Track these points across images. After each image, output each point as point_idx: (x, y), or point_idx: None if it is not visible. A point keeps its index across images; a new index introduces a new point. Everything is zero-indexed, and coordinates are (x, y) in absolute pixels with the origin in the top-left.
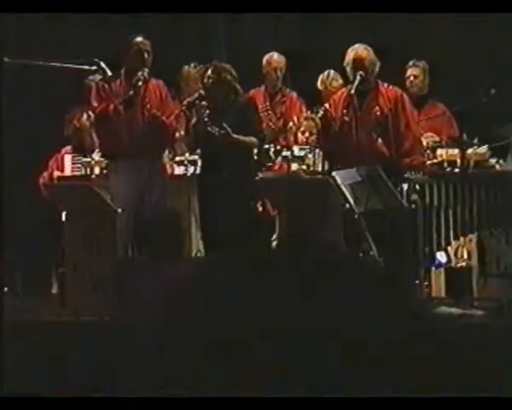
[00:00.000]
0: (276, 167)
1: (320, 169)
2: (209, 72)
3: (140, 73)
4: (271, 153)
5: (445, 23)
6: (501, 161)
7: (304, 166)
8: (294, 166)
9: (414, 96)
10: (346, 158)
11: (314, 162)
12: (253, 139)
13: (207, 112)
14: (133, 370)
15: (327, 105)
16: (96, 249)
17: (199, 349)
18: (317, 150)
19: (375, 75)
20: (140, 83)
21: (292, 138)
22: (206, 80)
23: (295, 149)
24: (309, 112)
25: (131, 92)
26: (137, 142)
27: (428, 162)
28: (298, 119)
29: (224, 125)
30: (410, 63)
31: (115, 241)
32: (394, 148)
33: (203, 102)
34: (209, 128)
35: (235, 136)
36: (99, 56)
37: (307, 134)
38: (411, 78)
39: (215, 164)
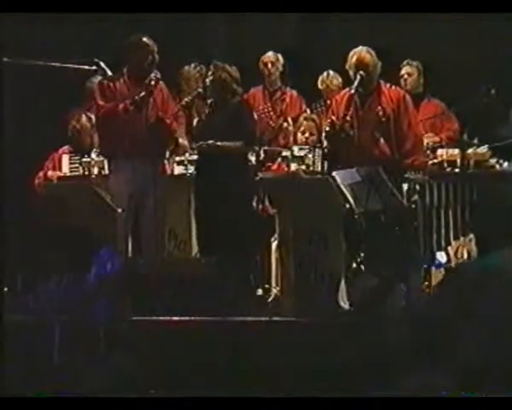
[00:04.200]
0: (274, 167)
1: (319, 169)
2: (209, 71)
3: (153, 74)
4: (262, 153)
5: (444, 23)
6: (501, 161)
7: (303, 167)
8: (294, 167)
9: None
10: (348, 158)
11: (314, 162)
12: (238, 144)
13: (207, 111)
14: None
15: (328, 102)
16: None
17: None
18: (317, 150)
19: (377, 76)
20: (153, 82)
21: (291, 138)
22: (206, 79)
23: (295, 148)
24: (308, 110)
25: (143, 93)
26: (140, 142)
27: (429, 162)
28: (297, 118)
29: (204, 144)
30: (404, 62)
31: (115, 240)
32: (396, 148)
33: (208, 101)
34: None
35: (219, 143)
36: (99, 56)
37: (307, 134)
38: (405, 76)
39: (210, 165)
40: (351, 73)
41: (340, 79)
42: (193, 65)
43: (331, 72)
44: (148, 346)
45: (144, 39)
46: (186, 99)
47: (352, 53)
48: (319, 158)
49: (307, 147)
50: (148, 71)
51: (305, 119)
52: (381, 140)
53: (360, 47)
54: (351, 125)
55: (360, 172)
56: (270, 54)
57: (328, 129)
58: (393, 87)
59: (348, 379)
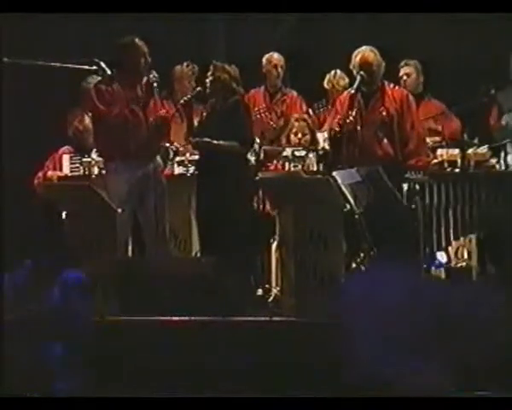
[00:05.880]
0: (272, 167)
1: (315, 169)
2: (209, 72)
3: (152, 76)
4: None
5: (444, 23)
6: (501, 161)
7: (299, 166)
8: (289, 167)
9: None
10: (352, 158)
11: (309, 164)
12: (234, 144)
13: (207, 112)
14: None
15: (331, 102)
16: (96, 249)
17: None
18: (311, 153)
19: (381, 76)
20: (155, 84)
21: (285, 140)
22: (206, 80)
23: (288, 150)
24: (310, 110)
25: (145, 95)
26: (142, 142)
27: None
28: (287, 120)
29: (199, 141)
30: (402, 63)
31: (115, 241)
32: (399, 148)
33: (211, 101)
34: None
35: (215, 142)
36: (99, 56)
37: (300, 135)
38: (404, 77)
39: (210, 165)
40: (354, 72)
41: (347, 80)
42: (185, 64)
43: (338, 71)
44: (148, 346)
45: (136, 41)
46: (185, 98)
47: (355, 52)
48: (314, 159)
49: (301, 149)
50: (141, 72)
51: (296, 119)
52: (385, 140)
53: (364, 46)
54: (354, 126)
55: (360, 172)
56: (276, 56)
57: (335, 130)
58: (397, 87)
59: (348, 379)
